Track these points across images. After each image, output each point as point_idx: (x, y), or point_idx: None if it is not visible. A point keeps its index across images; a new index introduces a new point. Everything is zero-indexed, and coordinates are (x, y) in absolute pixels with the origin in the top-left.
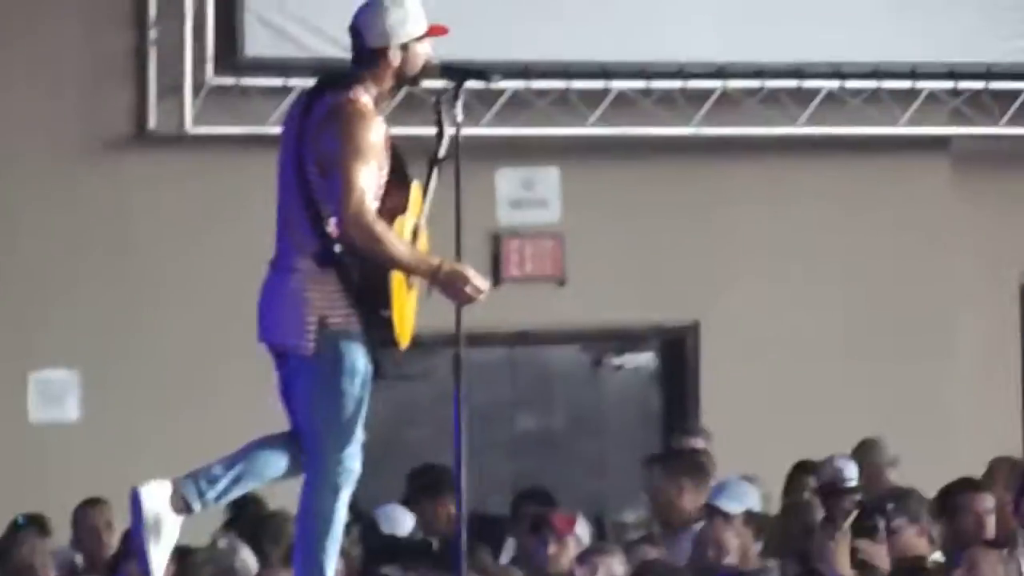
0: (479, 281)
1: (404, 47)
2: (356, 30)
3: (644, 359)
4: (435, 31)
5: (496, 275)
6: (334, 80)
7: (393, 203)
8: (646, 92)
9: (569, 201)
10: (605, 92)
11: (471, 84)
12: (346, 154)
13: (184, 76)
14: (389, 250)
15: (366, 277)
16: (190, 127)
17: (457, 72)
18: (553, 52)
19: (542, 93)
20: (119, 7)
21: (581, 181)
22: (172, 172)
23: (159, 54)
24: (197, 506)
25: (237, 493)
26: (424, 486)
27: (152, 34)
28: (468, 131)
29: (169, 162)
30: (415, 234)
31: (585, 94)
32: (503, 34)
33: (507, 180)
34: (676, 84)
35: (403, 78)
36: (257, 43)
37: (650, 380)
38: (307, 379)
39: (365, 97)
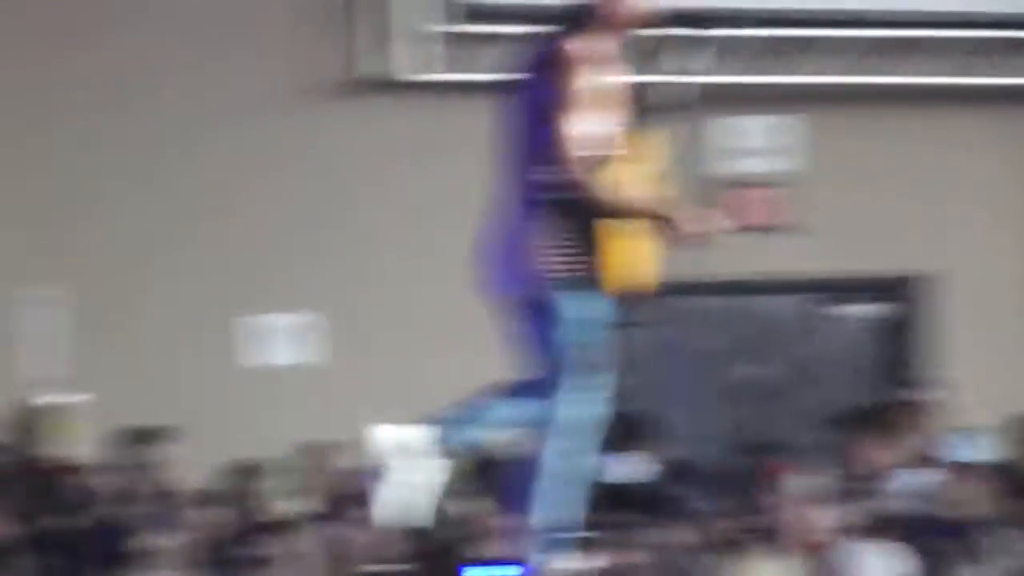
0: (697, 223)
1: None
2: None
3: (865, 309)
4: None
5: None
6: (553, 28)
7: (620, 151)
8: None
9: (796, 150)
10: (853, 40)
11: (717, 31)
12: (562, 102)
13: (397, 25)
14: (600, 198)
15: (579, 224)
16: (404, 74)
17: (701, 20)
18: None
19: (788, 40)
20: None
21: (818, 131)
22: (383, 119)
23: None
24: (439, 450)
25: (477, 439)
26: (623, 435)
27: None
28: (709, 79)
29: (380, 109)
30: (650, 182)
31: (832, 41)
32: None
33: (729, 129)
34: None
35: (620, 26)
36: None
37: (871, 329)
38: (539, 329)
39: (582, 45)
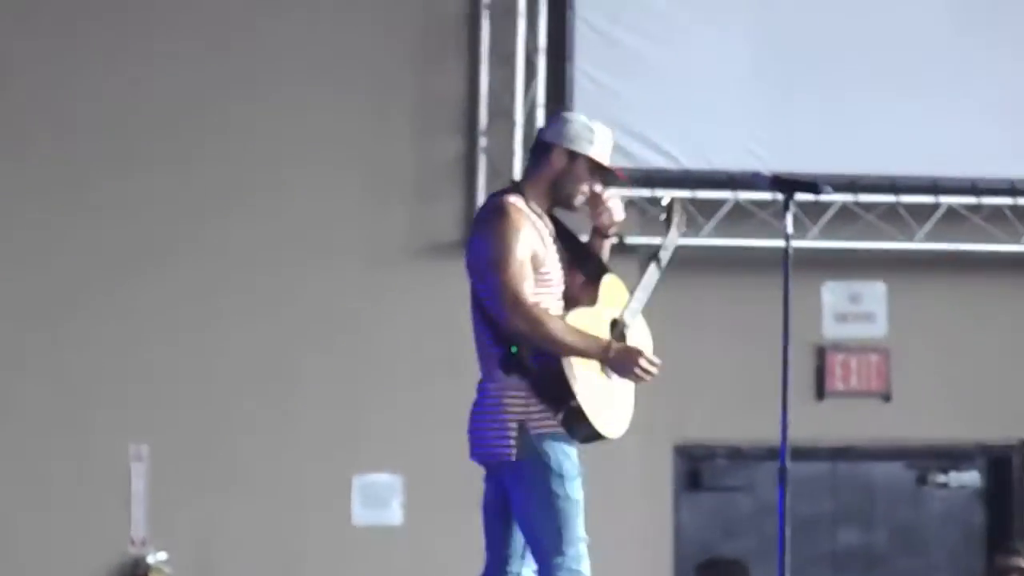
0: (649, 358)
1: (572, 156)
2: (540, 129)
3: (969, 477)
4: (612, 169)
5: (820, 389)
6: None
7: (575, 295)
8: (975, 208)
9: (895, 316)
10: (935, 207)
11: (800, 196)
12: (492, 251)
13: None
14: (552, 334)
15: (542, 369)
16: None
17: (787, 184)
18: (881, 166)
19: (870, 207)
20: (450, 114)
21: (907, 295)
22: None
23: (489, 161)
24: None
25: None
26: None
27: (482, 141)
28: (796, 243)
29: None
30: (614, 326)
31: (913, 208)
32: (832, 146)
33: (833, 293)
34: (1007, 200)
35: (558, 188)
36: None
37: (975, 499)
38: (519, 487)
39: (513, 198)
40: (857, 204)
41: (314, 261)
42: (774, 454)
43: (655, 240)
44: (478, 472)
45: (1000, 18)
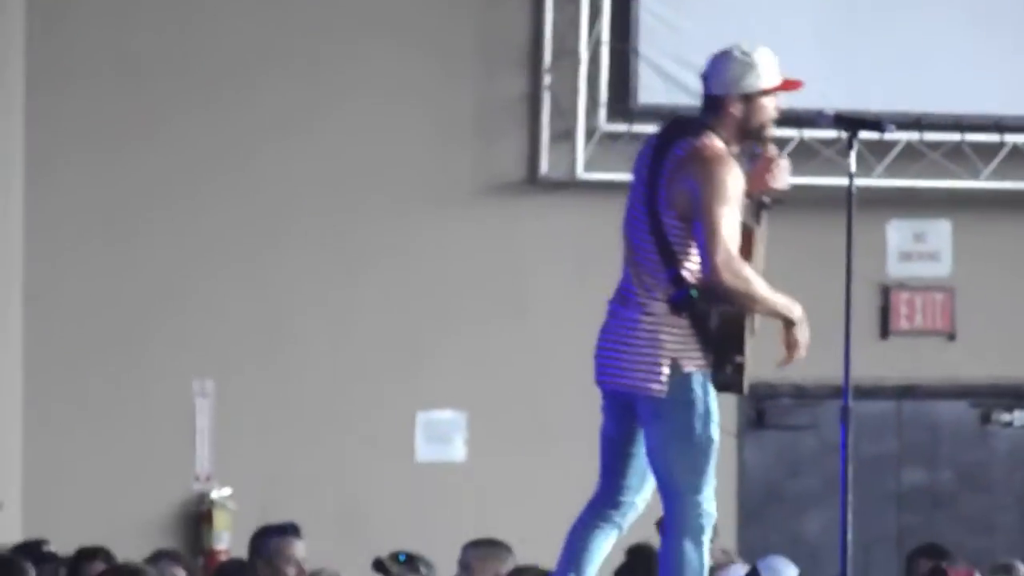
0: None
1: (747, 98)
2: (704, 76)
3: None
4: (788, 85)
5: (885, 328)
6: (683, 126)
7: (740, 249)
8: None
9: (960, 255)
10: (999, 145)
11: (864, 134)
12: (709, 198)
13: (577, 122)
14: (758, 293)
15: (724, 322)
16: (581, 173)
17: (851, 122)
18: (947, 104)
19: (935, 145)
20: (514, 53)
21: (972, 234)
22: (563, 217)
23: (553, 100)
24: None
25: None
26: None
27: (546, 80)
28: (860, 182)
29: (560, 207)
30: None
31: (978, 147)
32: (897, 84)
33: (898, 232)
34: None
35: (744, 130)
36: (650, 90)
37: None
38: (660, 423)
39: (719, 142)
40: (922, 142)
41: (379, 199)
42: (838, 393)
43: None
44: (541, 409)
45: None
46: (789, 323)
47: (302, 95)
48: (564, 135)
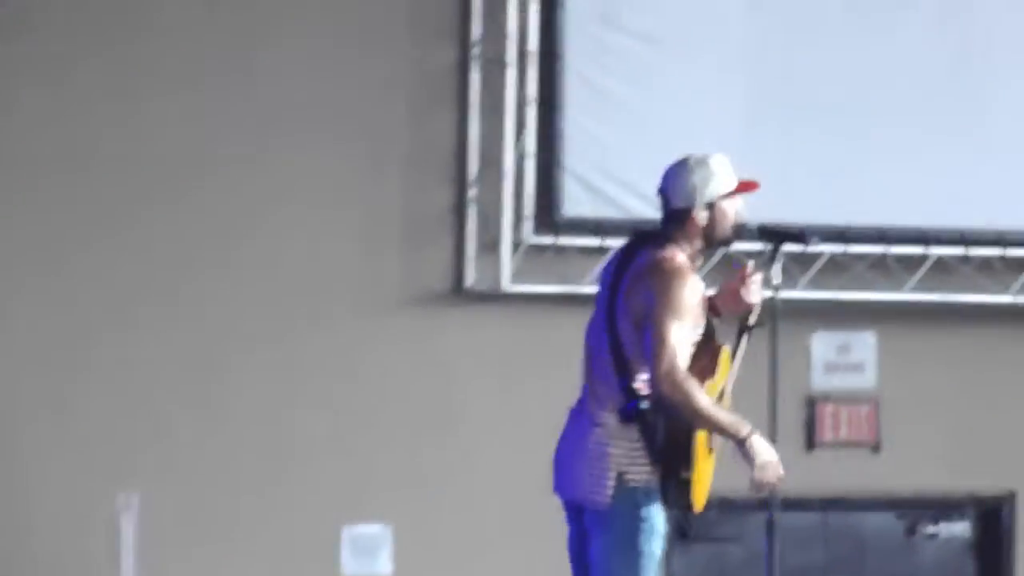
0: (777, 468)
1: (710, 206)
2: (663, 191)
3: (959, 528)
4: (744, 187)
5: (811, 439)
6: (647, 238)
7: (702, 365)
8: (964, 259)
9: (885, 366)
10: (924, 258)
11: (788, 247)
12: (662, 309)
13: (502, 234)
14: (700, 409)
15: (671, 437)
16: (507, 285)
17: (775, 234)
18: (870, 216)
19: (860, 257)
20: (440, 166)
21: (897, 346)
22: (488, 328)
23: (479, 211)
24: None
25: None
26: None
27: (472, 191)
28: (785, 294)
29: (486, 319)
30: (720, 397)
31: (903, 259)
32: (820, 197)
33: (823, 344)
34: (996, 252)
35: (712, 238)
36: (576, 202)
37: (965, 549)
38: (604, 535)
39: (680, 255)
40: (846, 254)
41: (306, 308)
42: (764, 505)
43: None
44: (467, 523)
45: (989, 72)
46: (740, 443)
47: (229, 204)
48: (490, 247)
